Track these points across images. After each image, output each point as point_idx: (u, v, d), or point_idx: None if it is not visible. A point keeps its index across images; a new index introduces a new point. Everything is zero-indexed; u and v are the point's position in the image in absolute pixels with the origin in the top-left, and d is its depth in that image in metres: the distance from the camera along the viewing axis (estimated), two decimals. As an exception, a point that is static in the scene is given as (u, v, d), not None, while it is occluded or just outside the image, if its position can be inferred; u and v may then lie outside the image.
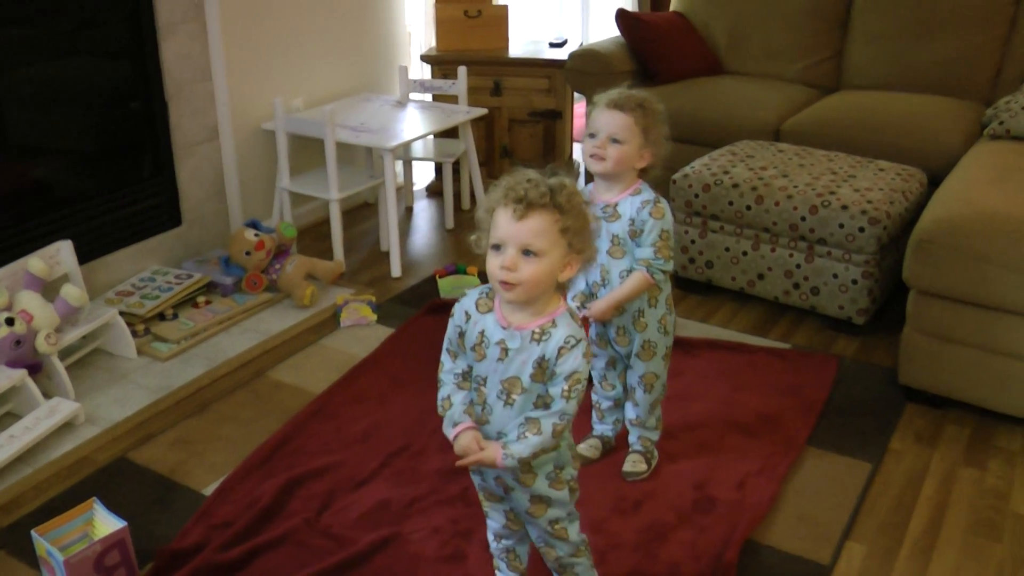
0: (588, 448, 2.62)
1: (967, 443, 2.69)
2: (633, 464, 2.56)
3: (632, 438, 2.59)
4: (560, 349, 1.66)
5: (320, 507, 2.43)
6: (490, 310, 1.74)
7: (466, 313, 1.78)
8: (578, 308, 2.42)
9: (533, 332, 1.68)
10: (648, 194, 2.29)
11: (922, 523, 2.38)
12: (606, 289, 2.35)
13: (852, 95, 4.13)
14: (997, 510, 2.42)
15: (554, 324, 1.68)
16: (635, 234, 2.28)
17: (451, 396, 1.80)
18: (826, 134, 3.77)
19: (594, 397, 2.63)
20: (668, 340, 2.45)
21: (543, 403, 1.72)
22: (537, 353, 1.68)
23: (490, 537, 2.05)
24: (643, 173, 2.32)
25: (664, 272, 2.29)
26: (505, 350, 1.71)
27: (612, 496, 2.46)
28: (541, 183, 1.64)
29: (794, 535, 2.33)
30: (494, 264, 1.65)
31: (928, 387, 2.81)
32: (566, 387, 1.68)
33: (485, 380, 1.76)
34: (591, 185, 2.38)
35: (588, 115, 2.34)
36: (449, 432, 1.78)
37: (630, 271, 2.31)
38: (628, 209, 2.28)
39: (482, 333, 1.74)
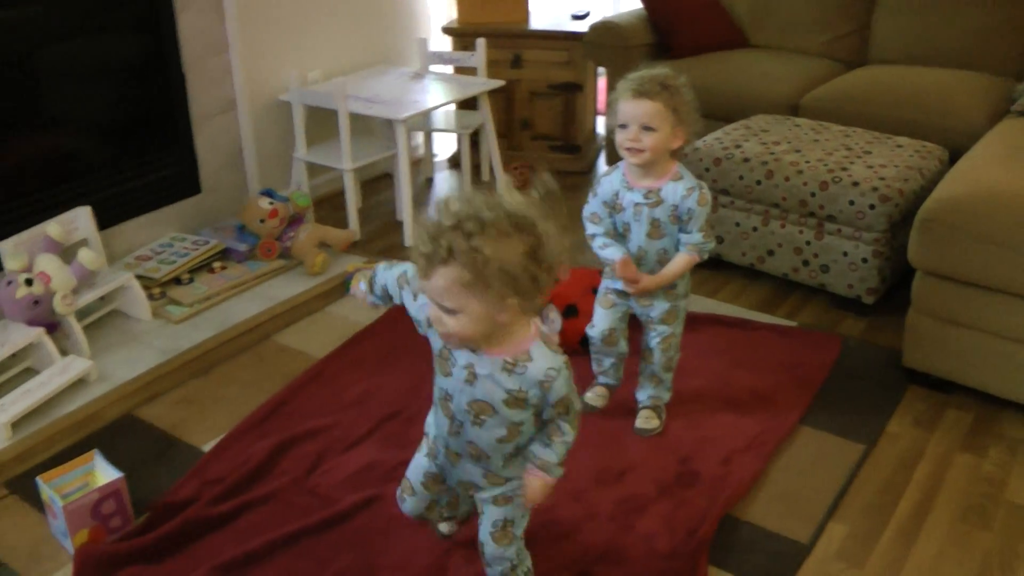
0: (595, 397, 2.66)
1: (968, 429, 2.65)
2: (646, 420, 2.59)
3: (643, 395, 2.61)
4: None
5: (309, 467, 2.49)
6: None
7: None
8: (609, 287, 2.51)
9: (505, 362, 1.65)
10: (690, 180, 2.33)
11: (910, 507, 2.35)
12: (642, 267, 2.42)
13: (876, 69, 4.04)
14: (990, 498, 2.38)
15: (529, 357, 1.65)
16: (676, 219, 2.32)
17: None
18: (846, 109, 3.70)
19: (596, 355, 2.64)
20: (687, 302, 2.53)
21: None
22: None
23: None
24: (677, 151, 2.33)
25: (708, 251, 2.40)
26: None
27: (596, 467, 2.47)
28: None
29: (775, 512, 2.33)
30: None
31: (932, 370, 2.77)
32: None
33: None
34: (622, 164, 2.38)
35: (611, 104, 2.32)
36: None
37: (665, 251, 2.38)
38: (671, 195, 2.32)
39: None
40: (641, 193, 2.33)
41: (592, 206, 2.44)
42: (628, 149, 2.26)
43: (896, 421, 2.68)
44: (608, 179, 2.41)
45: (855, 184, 3.04)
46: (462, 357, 1.67)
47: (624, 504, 2.34)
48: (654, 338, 2.51)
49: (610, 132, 2.36)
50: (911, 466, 2.50)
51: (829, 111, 3.73)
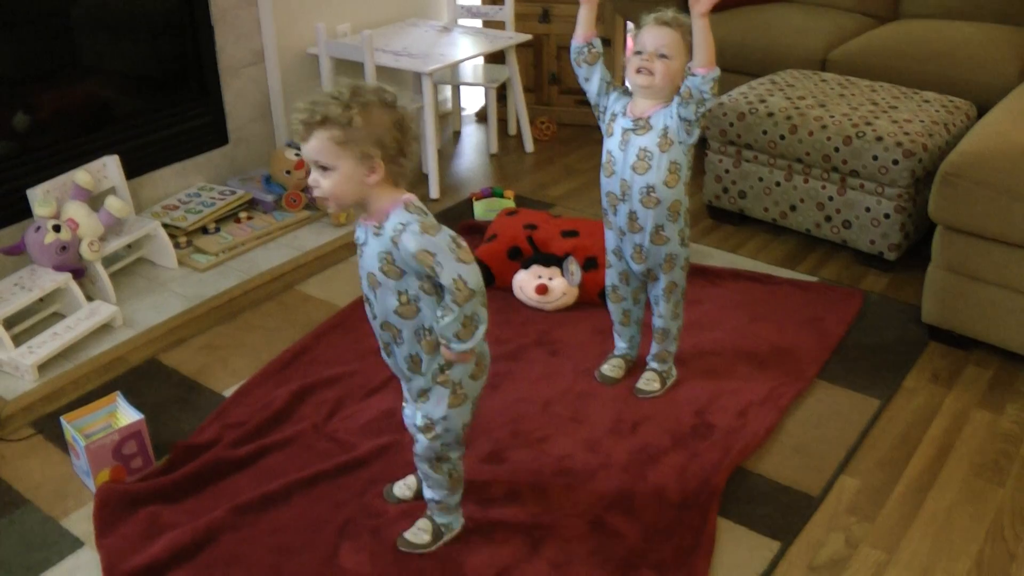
0: (611, 368, 2.66)
1: (986, 385, 2.64)
2: (647, 382, 2.60)
3: (650, 355, 2.62)
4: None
5: (329, 413, 2.53)
6: None
7: None
8: (609, 247, 2.52)
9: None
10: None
11: (923, 462, 2.36)
12: (625, 204, 2.37)
13: (908, 24, 3.97)
14: (1006, 454, 2.38)
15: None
16: (667, 144, 2.28)
17: None
18: (874, 64, 3.65)
19: (611, 312, 2.65)
20: (687, 251, 2.46)
21: None
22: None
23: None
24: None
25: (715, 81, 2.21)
26: None
27: (611, 418, 2.50)
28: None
29: (787, 465, 2.34)
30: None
31: (952, 327, 2.75)
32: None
33: None
34: (629, 100, 2.36)
35: (635, 36, 2.34)
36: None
37: (652, 187, 2.32)
38: (660, 120, 2.29)
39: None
40: (631, 120, 2.32)
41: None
42: (639, 71, 2.25)
43: (914, 377, 2.68)
44: (617, 95, 2.38)
45: (879, 139, 3.01)
46: (359, 234, 1.82)
47: (638, 454, 2.36)
48: (658, 286, 2.49)
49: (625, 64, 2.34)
50: (927, 422, 2.50)
51: (858, 66, 3.68)
